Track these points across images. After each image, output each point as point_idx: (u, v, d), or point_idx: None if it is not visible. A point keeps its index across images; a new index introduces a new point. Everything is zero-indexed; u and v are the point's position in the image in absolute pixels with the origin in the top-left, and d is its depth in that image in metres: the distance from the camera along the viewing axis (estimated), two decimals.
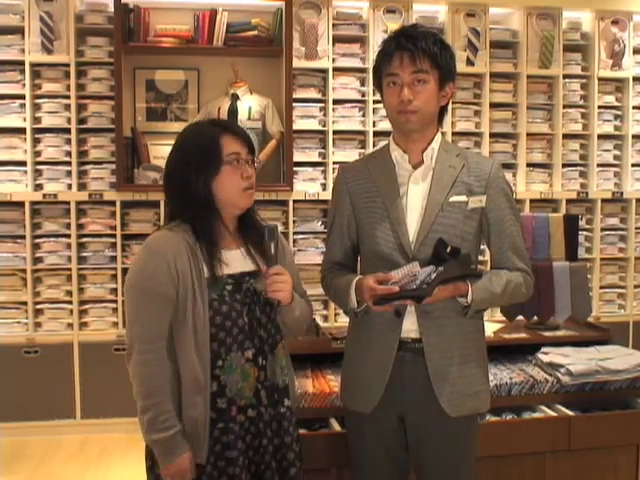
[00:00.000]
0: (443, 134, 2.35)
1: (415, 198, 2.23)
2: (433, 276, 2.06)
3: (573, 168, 5.56)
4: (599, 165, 5.58)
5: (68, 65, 4.90)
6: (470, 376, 2.26)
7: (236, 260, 2.12)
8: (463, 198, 2.21)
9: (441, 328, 2.23)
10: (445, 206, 2.20)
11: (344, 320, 3.08)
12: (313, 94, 5.15)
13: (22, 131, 4.91)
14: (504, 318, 3.71)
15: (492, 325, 3.72)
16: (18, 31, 4.91)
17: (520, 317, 3.67)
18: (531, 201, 5.43)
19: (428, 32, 2.21)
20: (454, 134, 5.29)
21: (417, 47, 2.15)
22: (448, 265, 2.09)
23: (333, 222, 2.38)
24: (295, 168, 5.09)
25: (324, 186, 5.17)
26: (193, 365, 1.98)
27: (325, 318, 5.19)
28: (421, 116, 2.19)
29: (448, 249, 2.13)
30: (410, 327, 2.24)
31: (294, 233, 5.12)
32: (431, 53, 2.16)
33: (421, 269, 2.08)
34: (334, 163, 5.08)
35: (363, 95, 5.19)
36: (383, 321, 2.23)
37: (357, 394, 2.32)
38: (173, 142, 2.18)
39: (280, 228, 4.94)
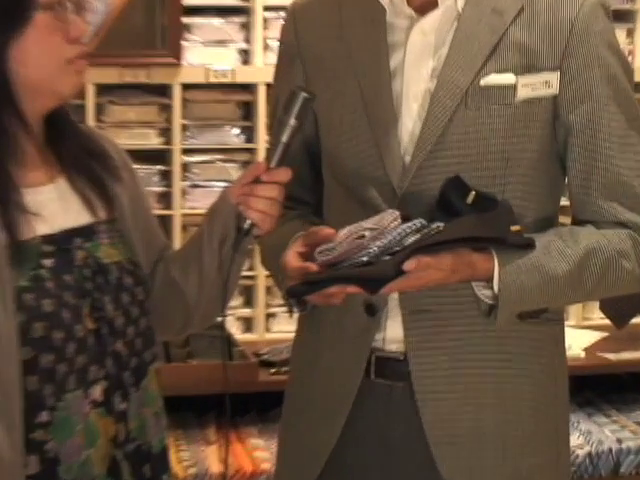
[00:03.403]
0: None
1: (417, 77, 1.80)
2: (411, 239, 1.63)
3: None
4: None
5: None
6: (513, 435, 1.84)
7: (53, 205, 1.70)
8: (509, 78, 1.76)
9: (448, 340, 1.81)
10: (472, 95, 1.77)
11: (287, 328, 2.72)
12: None
13: None
14: (607, 320, 3.25)
15: (583, 334, 3.34)
16: None
17: (637, 319, 3.22)
18: None
19: None
20: None
21: None
22: (456, 222, 1.67)
23: (275, 120, 1.97)
24: (187, 19, 3.62)
25: (245, 56, 3.72)
26: None
27: (247, 322, 3.72)
28: None
29: (470, 196, 1.71)
30: (395, 333, 1.81)
31: (185, 151, 3.65)
32: None
33: (402, 224, 1.65)
34: (266, 9, 3.63)
35: None
36: (346, 321, 1.85)
37: (296, 453, 2.00)
38: None
39: (156, 140, 3.67)
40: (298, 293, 1.72)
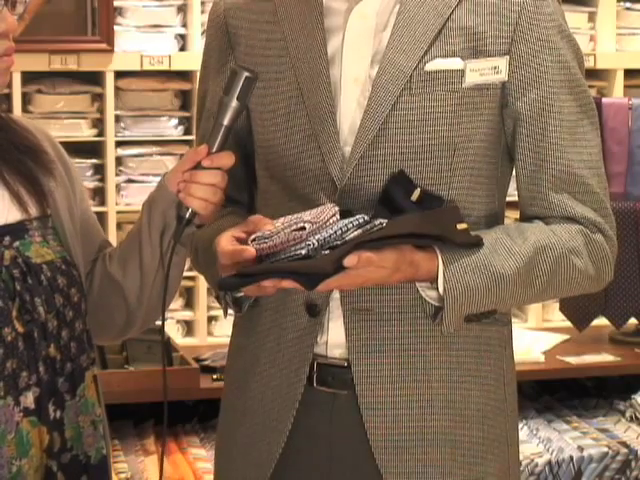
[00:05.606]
0: None
1: (357, 62, 1.81)
2: (353, 234, 1.63)
3: None
4: None
5: None
6: (461, 442, 1.85)
7: None
8: (457, 63, 1.77)
9: (391, 342, 1.80)
10: (417, 80, 1.77)
11: (225, 333, 2.75)
12: None
13: None
14: (568, 322, 3.30)
15: (543, 337, 3.38)
16: None
17: (599, 321, 3.25)
18: (627, 73, 4.03)
19: None
20: None
21: None
22: (400, 218, 1.68)
23: (203, 112, 1.96)
24: (119, 1, 3.67)
25: (182, 41, 3.75)
26: None
27: (188, 326, 3.78)
28: None
29: (415, 193, 1.74)
30: (338, 336, 1.79)
31: (119, 143, 3.66)
32: None
33: (344, 219, 1.65)
34: None
35: None
36: (286, 322, 1.82)
37: (236, 469, 1.93)
38: None
39: (88, 132, 3.72)
40: (230, 285, 1.66)
